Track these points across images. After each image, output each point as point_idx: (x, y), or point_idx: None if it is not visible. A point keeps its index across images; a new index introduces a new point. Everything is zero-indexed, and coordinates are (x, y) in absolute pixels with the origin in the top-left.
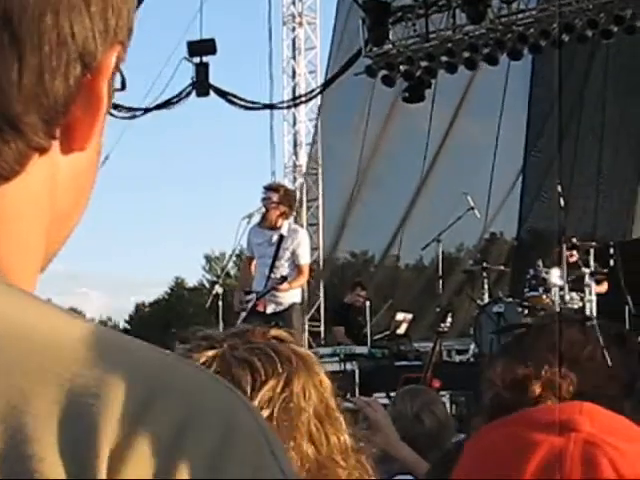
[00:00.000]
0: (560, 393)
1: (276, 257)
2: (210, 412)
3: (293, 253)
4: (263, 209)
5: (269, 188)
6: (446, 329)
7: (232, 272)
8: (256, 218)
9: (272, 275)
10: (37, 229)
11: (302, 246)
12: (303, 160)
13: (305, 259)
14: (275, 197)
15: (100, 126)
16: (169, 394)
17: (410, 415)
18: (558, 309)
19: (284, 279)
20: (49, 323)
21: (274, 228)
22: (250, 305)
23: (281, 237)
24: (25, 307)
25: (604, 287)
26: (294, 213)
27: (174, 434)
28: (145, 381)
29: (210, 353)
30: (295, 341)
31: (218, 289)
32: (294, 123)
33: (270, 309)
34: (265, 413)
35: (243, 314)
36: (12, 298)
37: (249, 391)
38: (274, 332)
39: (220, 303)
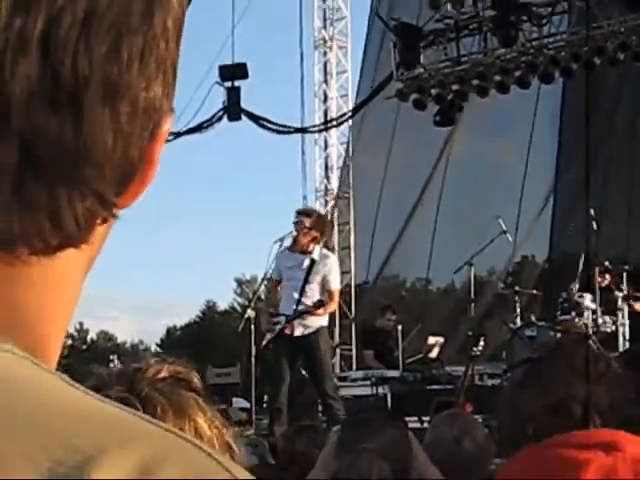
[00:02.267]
0: (600, 408)
1: (306, 281)
2: None
3: (324, 279)
4: (294, 233)
5: (301, 212)
6: (479, 353)
7: (263, 296)
8: (288, 242)
9: (302, 299)
10: (78, 286)
11: (333, 272)
12: (335, 184)
13: (336, 284)
14: (307, 222)
15: (146, 188)
16: None
17: (450, 440)
18: (591, 333)
19: (321, 303)
20: (38, 393)
21: (305, 252)
22: (278, 327)
23: (312, 262)
24: (20, 374)
25: (637, 310)
26: (325, 238)
27: None
28: (134, 469)
29: None
30: (191, 378)
31: (250, 313)
32: (325, 147)
33: (298, 332)
34: None
35: (269, 336)
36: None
37: None
38: (167, 372)
39: (252, 327)
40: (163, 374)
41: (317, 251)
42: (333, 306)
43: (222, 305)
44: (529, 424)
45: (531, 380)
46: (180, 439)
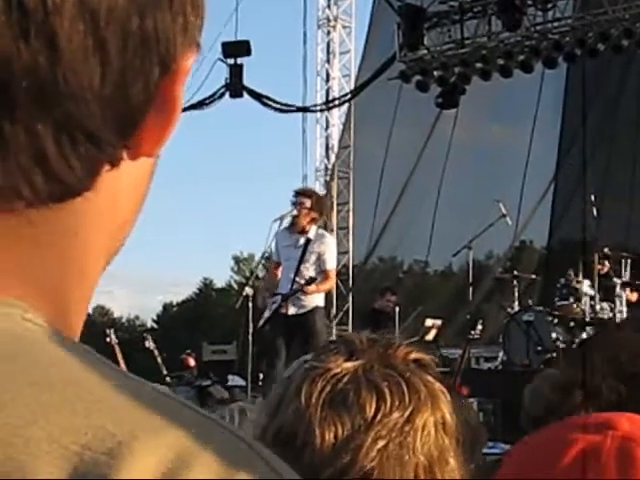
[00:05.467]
0: (600, 402)
1: (302, 260)
2: None
3: (319, 258)
4: (294, 212)
5: (302, 193)
6: (476, 336)
7: (261, 274)
8: (287, 220)
9: (297, 278)
10: (96, 247)
11: (328, 251)
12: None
13: (331, 264)
14: (308, 203)
15: (172, 132)
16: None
17: None
18: (589, 319)
19: (312, 280)
20: (70, 373)
21: (302, 233)
22: (274, 307)
23: (308, 240)
24: (52, 354)
25: (635, 298)
26: (324, 219)
27: None
28: (165, 458)
29: (346, 366)
30: (433, 368)
31: (248, 291)
32: (327, 126)
33: (292, 311)
34: (380, 443)
35: (266, 315)
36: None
37: (370, 418)
38: (416, 355)
39: (250, 304)
40: (413, 356)
41: (313, 231)
42: (327, 285)
43: (219, 282)
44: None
45: (568, 356)
46: (219, 427)
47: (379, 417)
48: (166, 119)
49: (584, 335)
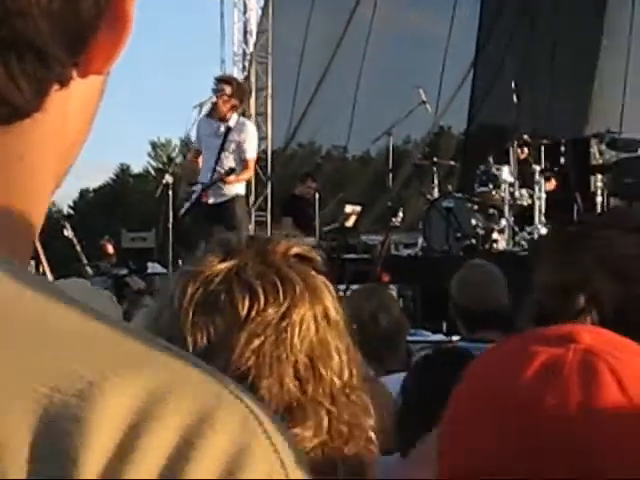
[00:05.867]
0: (602, 308)
1: (222, 149)
2: (215, 445)
3: (239, 146)
4: (214, 99)
5: (222, 80)
6: (397, 224)
7: (178, 160)
8: (207, 107)
9: (217, 167)
10: (43, 171)
11: (249, 140)
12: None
13: (251, 154)
14: (228, 89)
15: (123, 48)
16: (164, 417)
17: (366, 315)
18: (508, 206)
19: (232, 170)
20: (34, 312)
21: (223, 120)
22: (195, 196)
23: (228, 129)
24: (10, 289)
25: (554, 184)
26: (244, 106)
27: (168, 466)
28: (137, 397)
29: (219, 267)
30: (317, 262)
31: (168, 178)
32: (245, 10)
33: (212, 200)
34: (256, 342)
35: (187, 204)
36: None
37: (243, 317)
38: (297, 249)
39: (170, 193)
40: (294, 250)
41: (234, 119)
42: (247, 175)
43: (136, 168)
44: (535, 294)
45: (556, 253)
46: (193, 365)
47: (252, 316)
48: (117, 35)
49: (504, 222)
